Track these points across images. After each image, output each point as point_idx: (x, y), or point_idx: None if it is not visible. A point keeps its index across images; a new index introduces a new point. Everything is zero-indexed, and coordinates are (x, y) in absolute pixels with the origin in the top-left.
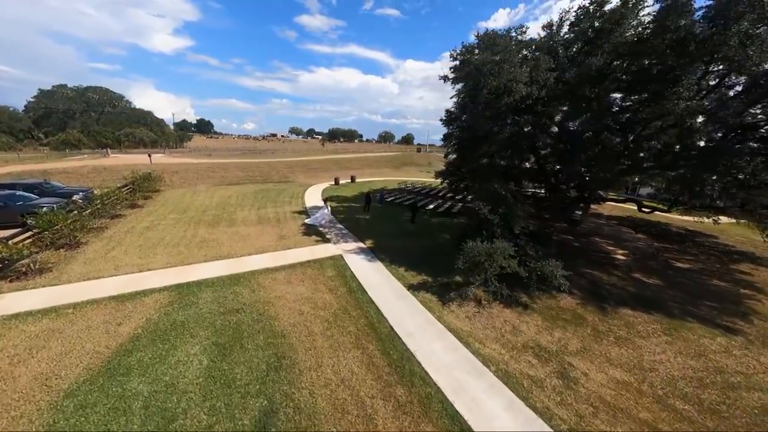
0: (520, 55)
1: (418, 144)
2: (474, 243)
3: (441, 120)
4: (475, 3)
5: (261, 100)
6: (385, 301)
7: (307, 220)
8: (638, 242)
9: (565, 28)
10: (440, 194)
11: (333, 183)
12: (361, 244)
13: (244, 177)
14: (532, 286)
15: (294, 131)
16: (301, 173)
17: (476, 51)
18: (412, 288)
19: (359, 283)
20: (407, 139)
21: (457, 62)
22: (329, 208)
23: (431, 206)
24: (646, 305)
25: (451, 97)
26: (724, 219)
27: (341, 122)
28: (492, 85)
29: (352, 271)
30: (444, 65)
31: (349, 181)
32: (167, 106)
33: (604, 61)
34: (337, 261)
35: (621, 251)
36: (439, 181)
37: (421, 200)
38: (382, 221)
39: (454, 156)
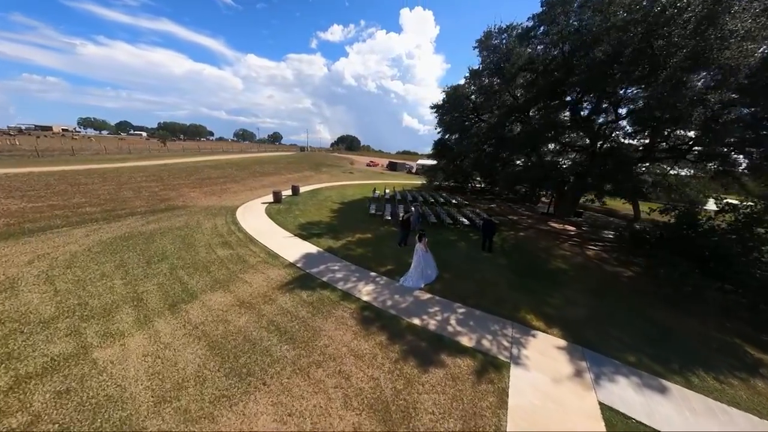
0: None
1: (300, 146)
2: None
3: (431, 106)
4: (311, 12)
5: None
6: None
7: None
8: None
9: None
10: (439, 201)
11: (272, 200)
12: (553, 339)
13: (40, 211)
14: None
15: (89, 123)
16: (190, 188)
17: None
18: None
19: None
20: (275, 137)
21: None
22: (426, 245)
23: (449, 220)
24: None
25: (466, 79)
26: None
27: (170, 116)
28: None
29: None
30: (289, 66)
31: (291, 193)
32: None
33: None
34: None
35: None
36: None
37: (449, 212)
38: (449, 260)
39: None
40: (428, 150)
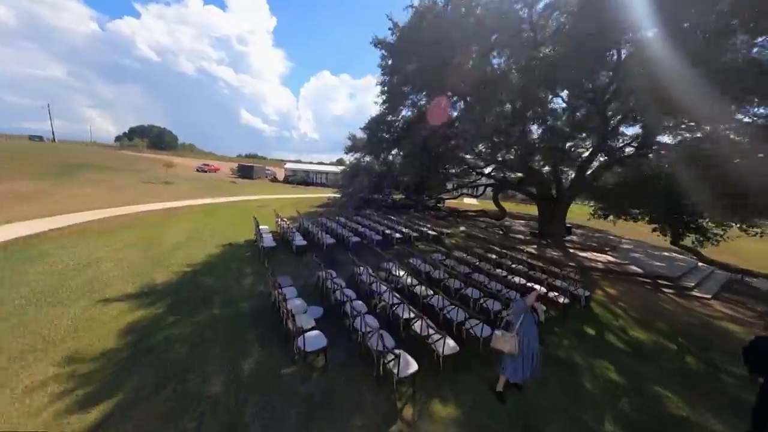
0: None
1: (40, 135)
2: None
3: (375, 42)
4: None
5: None
6: None
7: None
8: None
9: None
10: (409, 236)
11: None
12: None
13: None
14: None
15: None
16: None
17: None
18: None
19: None
20: None
21: None
22: None
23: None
24: None
25: None
26: None
27: None
28: None
29: None
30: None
31: None
32: None
33: None
34: None
35: None
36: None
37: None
38: None
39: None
40: (279, 154)
